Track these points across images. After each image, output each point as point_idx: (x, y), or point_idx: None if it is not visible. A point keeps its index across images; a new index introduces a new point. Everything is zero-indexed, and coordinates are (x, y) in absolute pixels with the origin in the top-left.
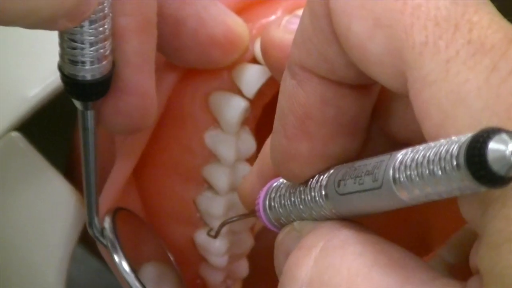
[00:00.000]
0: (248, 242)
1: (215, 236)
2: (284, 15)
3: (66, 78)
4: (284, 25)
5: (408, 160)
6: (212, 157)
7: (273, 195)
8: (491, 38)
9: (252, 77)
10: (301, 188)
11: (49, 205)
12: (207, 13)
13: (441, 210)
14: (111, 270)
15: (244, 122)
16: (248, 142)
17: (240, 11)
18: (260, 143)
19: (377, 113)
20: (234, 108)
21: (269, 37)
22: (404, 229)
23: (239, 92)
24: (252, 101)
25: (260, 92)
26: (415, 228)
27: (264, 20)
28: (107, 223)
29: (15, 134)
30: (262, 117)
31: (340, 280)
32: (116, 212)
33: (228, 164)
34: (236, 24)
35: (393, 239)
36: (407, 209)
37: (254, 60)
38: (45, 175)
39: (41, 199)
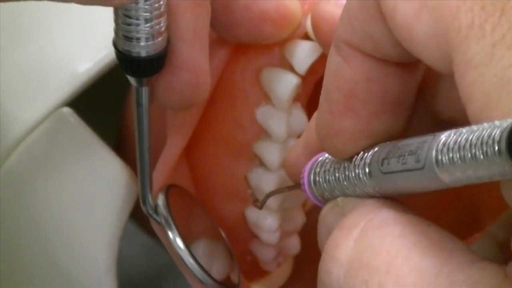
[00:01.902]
0: (299, 218)
1: (261, 207)
2: None
3: (121, 54)
4: (335, 0)
5: (451, 143)
6: (263, 133)
7: (318, 169)
8: None
9: (304, 53)
10: (346, 164)
11: (100, 181)
12: None
13: (491, 188)
14: (162, 246)
15: (296, 98)
16: (299, 119)
17: None
18: (310, 119)
19: (422, 92)
20: (286, 84)
21: (320, 11)
22: (454, 206)
23: (291, 68)
24: (304, 78)
25: (312, 68)
26: (466, 205)
27: None
28: (160, 200)
29: (66, 110)
30: (314, 93)
31: (379, 261)
32: (169, 189)
33: (279, 140)
34: (288, 0)
35: (443, 216)
36: (457, 187)
37: (306, 36)
38: (96, 150)
39: (92, 174)
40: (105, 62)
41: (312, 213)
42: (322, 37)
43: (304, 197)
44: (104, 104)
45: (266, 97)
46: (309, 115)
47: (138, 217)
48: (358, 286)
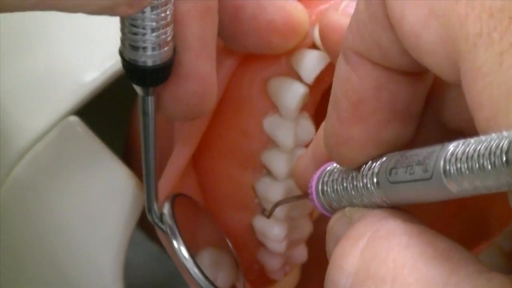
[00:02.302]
0: (307, 228)
1: (269, 216)
2: (343, 0)
3: (127, 63)
4: (343, 9)
5: (459, 153)
6: (271, 143)
7: (326, 179)
8: None
9: (311, 63)
10: (354, 174)
11: (107, 189)
12: None
13: (498, 198)
14: (169, 254)
15: (303, 108)
16: (307, 128)
17: None
18: (318, 129)
19: (431, 101)
20: (293, 93)
21: (328, 21)
22: (461, 216)
23: (298, 78)
24: (311, 87)
25: (319, 78)
26: (472, 215)
27: (323, 6)
28: (166, 209)
29: (73, 119)
30: (321, 103)
31: (386, 271)
32: (175, 198)
33: (286, 150)
34: (295, 10)
35: (449, 225)
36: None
37: (313, 46)
38: (103, 159)
39: (99, 183)
40: (112, 71)
41: (319, 222)
42: (330, 46)
43: (312, 206)
44: (111, 113)
45: (273, 107)
46: (317, 124)
47: (145, 225)
48: None
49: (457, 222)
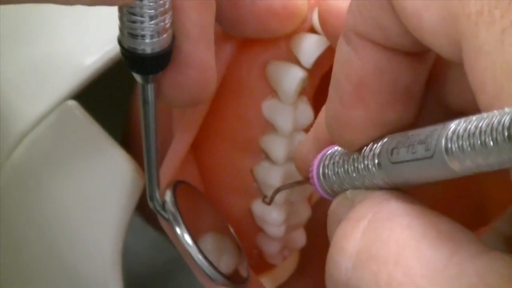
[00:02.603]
0: (305, 212)
1: (269, 203)
2: None
3: (126, 51)
4: None
5: (460, 130)
6: (270, 127)
7: (327, 162)
8: None
9: (310, 47)
10: (355, 156)
11: (106, 174)
12: None
13: (498, 182)
14: (169, 240)
15: (302, 92)
16: (306, 112)
17: None
18: (317, 113)
19: (432, 82)
20: (292, 78)
21: (327, 4)
22: (461, 200)
23: (297, 62)
24: (310, 71)
25: (318, 62)
26: (472, 199)
27: None
28: (168, 196)
29: (72, 103)
30: (320, 87)
31: (388, 252)
32: (176, 185)
33: (285, 134)
34: None
35: (450, 210)
36: (464, 180)
37: (312, 30)
38: (102, 143)
39: (98, 167)
40: (111, 55)
41: (318, 207)
42: (329, 30)
43: (310, 191)
44: (110, 98)
45: (272, 91)
46: (316, 109)
47: (144, 211)
48: (367, 278)
49: (457, 207)
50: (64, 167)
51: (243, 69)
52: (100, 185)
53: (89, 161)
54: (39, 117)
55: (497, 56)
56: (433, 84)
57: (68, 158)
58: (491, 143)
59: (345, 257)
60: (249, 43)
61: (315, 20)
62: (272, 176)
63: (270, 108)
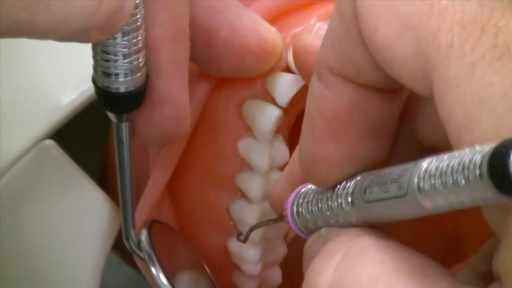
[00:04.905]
0: (281, 250)
1: (244, 241)
2: (317, 23)
3: (100, 90)
4: (316, 31)
5: (432, 169)
6: (246, 165)
7: (301, 200)
8: None
9: (286, 86)
10: (328, 195)
11: (83, 213)
12: (240, 22)
13: (473, 219)
14: (145, 278)
15: (278, 130)
16: (281, 151)
17: (273, 20)
18: (293, 151)
19: (405, 118)
20: (268, 116)
21: (301, 43)
22: (436, 237)
23: (273, 101)
24: (286, 110)
25: (294, 100)
26: (448, 236)
27: (298, 29)
28: (143, 236)
29: (49, 142)
30: (296, 125)
31: (360, 287)
32: (152, 224)
33: (261, 173)
34: (269, 33)
35: (425, 247)
36: (439, 217)
37: (288, 69)
38: (79, 182)
39: (75, 206)
40: (89, 94)
41: (294, 244)
42: (304, 68)
43: (286, 229)
44: (88, 137)
45: (248, 129)
46: (291, 147)
47: (122, 249)
48: None
49: (433, 244)
50: (41, 206)
51: (219, 107)
52: (77, 223)
53: (67, 200)
54: (16, 156)
55: (467, 88)
56: (406, 120)
57: (45, 197)
58: (463, 182)
59: None
60: (225, 81)
61: (290, 59)
62: (248, 214)
63: (246, 146)
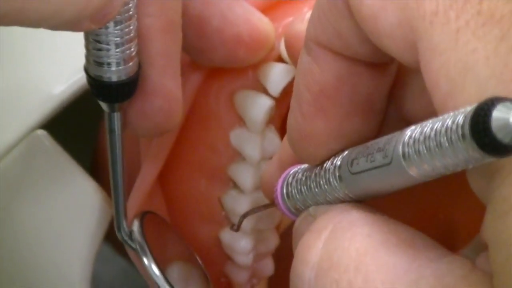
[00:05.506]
0: (273, 240)
1: (237, 229)
2: (309, 12)
3: (92, 79)
4: (308, 20)
5: (416, 134)
6: (237, 156)
7: (290, 180)
8: (500, 9)
9: (278, 76)
10: (317, 171)
11: (75, 203)
12: (232, 12)
13: (466, 210)
14: (137, 269)
15: (269, 120)
16: (273, 141)
17: (266, 10)
18: None
19: (394, 96)
20: (260, 106)
21: (293, 31)
22: (429, 229)
23: (265, 91)
24: (278, 100)
25: (286, 91)
26: (441, 228)
27: (290, 19)
28: (135, 226)
29: (41, 132)
30: (287, 116)
31: (349, 260)
32: (144, 215)
33: (253, 163)
34: (261, 23)
35: None
36: (433, 208)
37: (280, 59)
38: (71, 173)
39: (67, 197)
40: (80, 84)
41: (286, 235)
42: (296, 56)
43: (278, 219)
44: (79, 127)
45: (240, 120)
46: (283, 137)
47: (114, 240)
48: (329, 286)
49: (426, 235)
50: (33, 196)
51: (211, 98)
52: (69, 214)
53: (58, 190)
54: (8, 147)
55: (451, 55)
56: (395, 99)
57: (37, 188)
58: (446, 143)
59: (307, 267)
60: (217, 72)
61: (283, 49)
62: (240, 204)
63: (238, 137)
